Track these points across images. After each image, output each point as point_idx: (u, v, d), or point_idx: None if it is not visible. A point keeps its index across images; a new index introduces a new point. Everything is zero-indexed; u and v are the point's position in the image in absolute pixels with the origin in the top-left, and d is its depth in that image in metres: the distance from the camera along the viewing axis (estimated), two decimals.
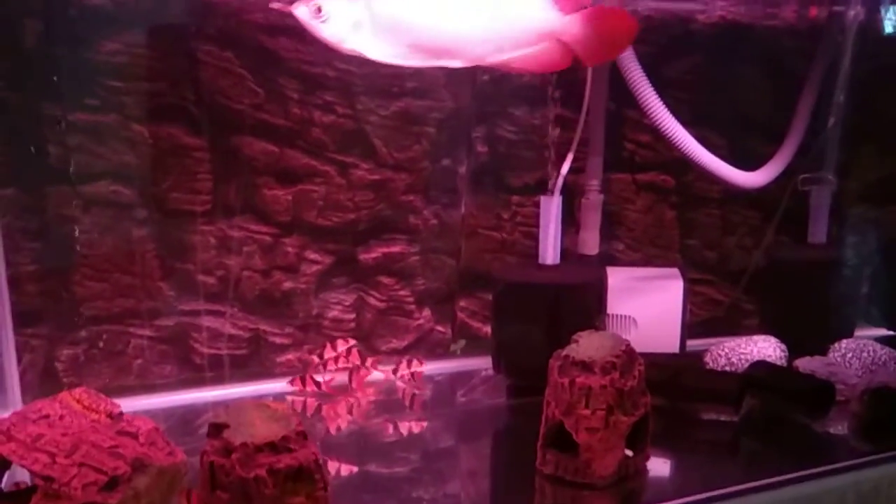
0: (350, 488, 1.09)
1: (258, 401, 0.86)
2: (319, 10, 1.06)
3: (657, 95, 1.29)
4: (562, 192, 1.37)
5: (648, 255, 1.63)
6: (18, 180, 1.23)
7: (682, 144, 1.31)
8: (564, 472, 1.03)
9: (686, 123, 1.33)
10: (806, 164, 1.55)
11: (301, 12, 1.08)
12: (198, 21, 1.30)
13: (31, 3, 1.20)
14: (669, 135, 1.29)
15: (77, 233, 1.29)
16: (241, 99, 1.33)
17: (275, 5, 1.10)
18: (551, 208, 1.35)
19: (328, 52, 1.17)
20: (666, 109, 1.29)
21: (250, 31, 1.32)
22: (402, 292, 1.50)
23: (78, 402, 0.91)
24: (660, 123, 1.29)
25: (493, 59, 1.12)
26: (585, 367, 1.00)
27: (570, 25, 1.09)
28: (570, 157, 1.36)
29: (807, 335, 1.48)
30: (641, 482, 1.07)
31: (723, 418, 1.28)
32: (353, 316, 1.47)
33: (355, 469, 1.14)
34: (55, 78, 1.22)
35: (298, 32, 1.19)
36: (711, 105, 1.58)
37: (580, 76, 1.38)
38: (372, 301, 1.48)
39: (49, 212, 1.27)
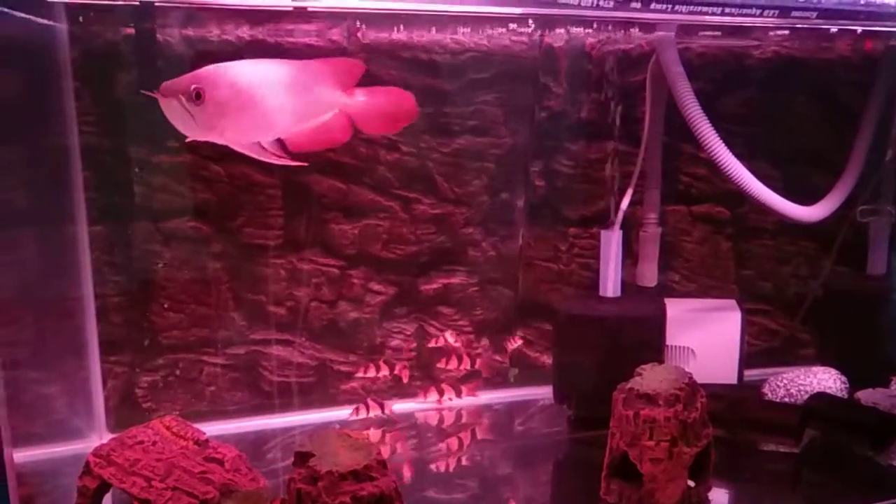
0: None
1: (340, 430, 0.91)
2: (200, 94, 1.07)
3: (715, 131, 1.32)
4: (620, 226, 1.40)
5: (704, 285, 1.64)
6: (106, 218, 1.32)
7: (742, 181, 1.32)
8: (628, 501, 1.06)
9: (741, 157, 1.35)
10: (864, 195, 1.56)
11: (172, 96, 1.06)
12: None
13: (122, 57, 1.28)
14: (729, 171, 1.31)
15: (157, 266, 1.36)
16: None
17: (148, 93, 1.10)
18: (612, 242, 1.38)
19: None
20: (726, 147, 1.31)
21: None
22: (460, 322, 1.54)
23: (168, 429, 0.98)
24: (720, 160, 1.31)
25: (293, 129, 1.18)
26: (650, 399, 1.02)
27: (352, 100, 1.20)
28: (629, 191, 1.39)
29: (867, 366, 1.47)
30: None
31: (782, 450, 1.28)
32: (413, 345, 1.52)
33: (414, 496, 1.17)
34: (141, 123, 1.31)
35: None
36: (767, 138, 1.59)
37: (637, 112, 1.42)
38: (432, 330, 1.53)
39: (133, 247, 1.34)
